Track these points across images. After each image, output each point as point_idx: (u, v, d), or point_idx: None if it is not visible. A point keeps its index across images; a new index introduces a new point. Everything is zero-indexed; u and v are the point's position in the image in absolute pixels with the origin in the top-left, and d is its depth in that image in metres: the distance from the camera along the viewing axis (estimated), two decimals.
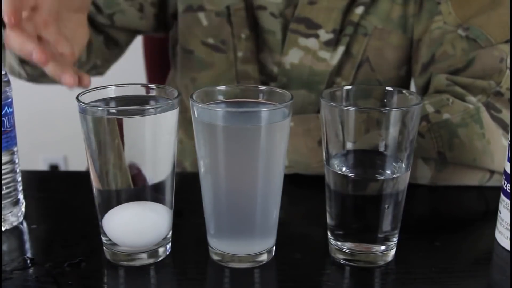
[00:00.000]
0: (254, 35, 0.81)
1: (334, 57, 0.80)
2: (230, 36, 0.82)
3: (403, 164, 0.50)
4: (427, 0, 0.77)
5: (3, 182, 0.57)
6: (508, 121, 0.66)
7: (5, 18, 0.59)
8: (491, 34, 0.71)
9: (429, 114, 0.66)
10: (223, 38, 0.82)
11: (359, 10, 0.78)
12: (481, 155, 0.66)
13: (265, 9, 0.80)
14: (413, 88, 0.86)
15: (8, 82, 0.56)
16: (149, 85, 0.54)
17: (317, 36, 0.79)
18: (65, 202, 0.66)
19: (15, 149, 0.58)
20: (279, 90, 0.52)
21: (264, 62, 0.82)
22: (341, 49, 0.79)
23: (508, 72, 0.68)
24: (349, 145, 0.50)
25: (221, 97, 0.53)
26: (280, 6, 0.79)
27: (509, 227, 0.54)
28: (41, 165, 1.84)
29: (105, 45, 0.88)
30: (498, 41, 0.70)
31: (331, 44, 0.79)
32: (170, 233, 0.54)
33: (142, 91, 0.54)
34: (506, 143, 0.66)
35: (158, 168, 0.51)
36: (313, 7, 0.78)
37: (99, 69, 0.91)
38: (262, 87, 0.54)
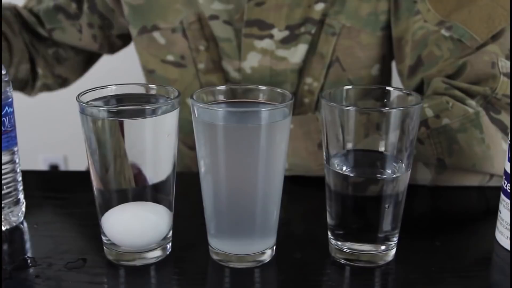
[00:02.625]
0: (212, 45, 0.82)
1: (295, 55, 0.79)
2: (188, 50, 0.82)
3: (403, 164, 0.50)
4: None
5: (3, 181, 0.57)
6: (507, 122, 0.66)
7: None
8: (475, 31, 0.69)
9: (428, 119, 0.65)
10: (182, 53, 0.83)
11: (319, 6, 0.77)
12: (480, 161, 0.65)
13: (217, 18, 0.79)
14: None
15: (8, 82, 0.56)
16: (149, 85, 0.54)
17: (271, 36, 0.78)
18: (65, 202, 0.66)
19: (15, 149, 0.58)
20: (279, 90, 0.52)
21: (227, 70, 0.83)
22: (302, 47, 0.79)
23: (502, 78, 0.67)
24: (349, 145, 0.50)
25: (221, 97, 0.53)
26: (231, 12, 0.79)
27: (509, 227, 0.54)
28: (41, 165, 1.84)
29: (56, 60, 0.91)
30: (484, 37, 0.69)
31: (288, 42, 0.79)
32: (170, 233, 0.54)
33: (142, 91, 0.54)
34: (506, 147, 0.65)
35: (159, 168, 0.51)
36: (262, 8, 0.77)
37: (64, 83, 0.96)
38: (262, 87, 0.54)
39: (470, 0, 0.71)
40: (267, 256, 0.53)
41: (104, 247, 0.53)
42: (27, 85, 0.90)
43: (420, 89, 0.75)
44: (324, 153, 0.52)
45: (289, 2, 0.77)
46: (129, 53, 0.97)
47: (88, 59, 0.96)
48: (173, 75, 0.84)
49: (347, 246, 0.52)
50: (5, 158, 0.57)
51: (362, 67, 0.81)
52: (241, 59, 0.80)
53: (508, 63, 0.68)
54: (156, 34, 0.83)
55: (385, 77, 0.85)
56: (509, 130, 0.65)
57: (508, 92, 0.67)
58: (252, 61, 0.80)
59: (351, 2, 0.77)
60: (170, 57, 0.84)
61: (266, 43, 0.79)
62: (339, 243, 0.53)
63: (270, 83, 0.80)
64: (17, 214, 0.59)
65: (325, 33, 0.79)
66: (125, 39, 0.95)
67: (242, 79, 0.82)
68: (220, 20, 0.79)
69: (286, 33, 0.78)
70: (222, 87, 0.54)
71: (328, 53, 0.79)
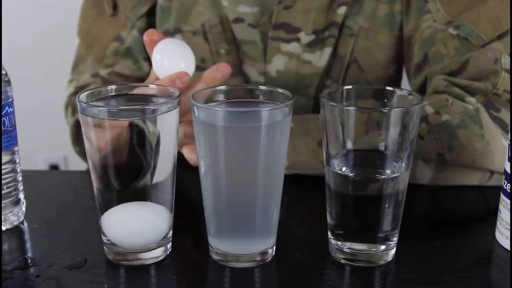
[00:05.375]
0: (234, 49, 0.81)
1: (320, 59, 0.80)
2: (208, 53, 0.82)
3: (403, 164, 0.50)
4: None
5: (4, 181, 0.57)
6: (507, 120, 0.66)
7: None
8: (482, 31, 0.70)
9: (428, 116, 0.66)
10: (203, 57, 0.82)
11: (342, 10, 0.78)
12: (480, 156, 0.65)
13: (242, 21, 0.79)
14: (405, 87, 0.86)
15: (8, 82, 0.56)
16: (149, 85, 0.54)
17: (298, 40, 0.79)
18: (65, 202, 0.66)
19: (15, 148, 0.58)
20: (279, 90, 0.52)
21: (248, 74, 0.82)
22: (327, 50, 0.79)
23: (504, 73, 0.68)
24: (349, 145, 0.50)
25: (221, 97, 0.53)
26: (256, 15, 0.79)
27: (509, 227, 0.54)
28: (41, 165, 1.84)
29: None
30: (490, 37, 0.70)
31: (314, 45, 0.79)
32: (170, 233, 0.54)
33: (142, 91, 0.54)
34: (506, 143, 0.66)
35: (159, 167, 0.51)
36: (289, 11, 0.77)
37: None
38: (262, 87, 0.54)
39: (479, 1, 0.72)
40: (267, 256, 0.53)
41: (104, 247, 0.53)
42: None
43: (424, 86, 0.76)
44: (324, 153, 0.52)
45: (316, 6, 0.77)
46: None
47: None
48: (193, 78, 0.84)
49: (347, 246, 0.52)
50: (5, 158, 0.57)
51: (380, 68, 0.82)
52: (267, 62, 0.80)
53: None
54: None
55: (399, 77, 0.86)
56: (509, 128, 0.65)
57: (509, 88, 0.67)
58: (278, 64, 0.80)
59: (368, 4, 0.78)
60: None
61: (292, 47, 0.79)
62: (339, 243, 0.53)
63: (295, 87, 0.81)
64: (17, 214, 0.59)
65: (344, 35, 0.79)
66: None
67: (266, 83, 0.82)
68: (245, 23, 0.79)
69: (312, 37, 0.78)
70: (222, 87, 0.54)
71: (347, 55, 0.80)
